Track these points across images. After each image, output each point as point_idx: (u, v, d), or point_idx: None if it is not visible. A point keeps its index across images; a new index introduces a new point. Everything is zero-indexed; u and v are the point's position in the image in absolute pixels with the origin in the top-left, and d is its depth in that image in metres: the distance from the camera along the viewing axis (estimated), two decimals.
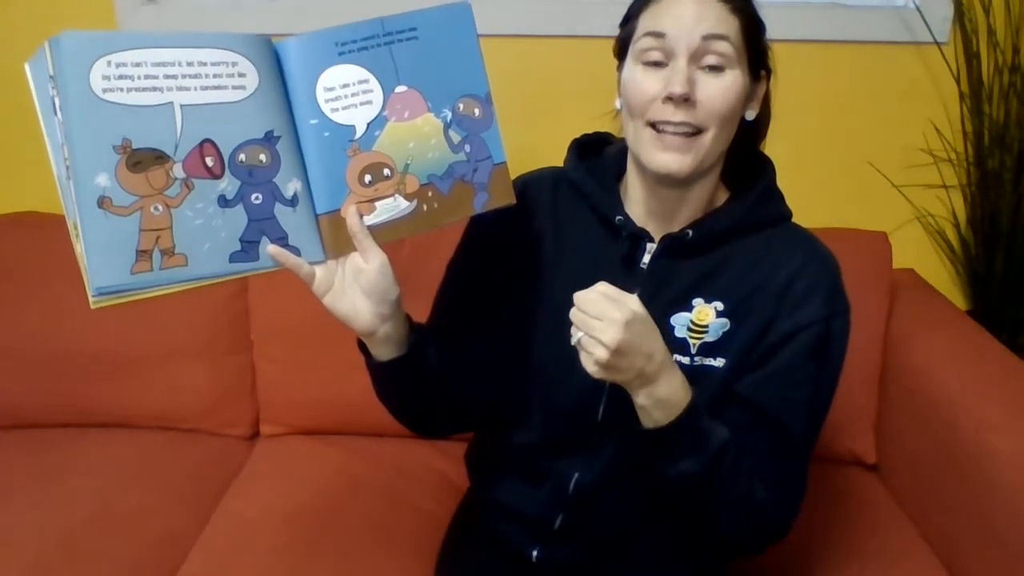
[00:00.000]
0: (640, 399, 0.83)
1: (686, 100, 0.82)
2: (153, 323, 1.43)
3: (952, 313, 1.48)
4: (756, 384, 0.89)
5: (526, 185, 0.97)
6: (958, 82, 1.54)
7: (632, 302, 0.78)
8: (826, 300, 0.89)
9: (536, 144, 1.14)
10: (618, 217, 0.92)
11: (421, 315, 0.96)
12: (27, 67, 0.73)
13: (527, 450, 0.99)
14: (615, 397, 0.90)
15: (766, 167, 0.95)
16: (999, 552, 1.07)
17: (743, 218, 0.92)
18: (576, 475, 0.96)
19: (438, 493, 1.32)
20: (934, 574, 1.18)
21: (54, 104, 0.69)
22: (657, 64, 0.84)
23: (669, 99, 0.82)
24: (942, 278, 1.68)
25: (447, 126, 0.81)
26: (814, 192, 1.57)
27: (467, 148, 0.83)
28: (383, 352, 0.87)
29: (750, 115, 0.89)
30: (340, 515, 1.26)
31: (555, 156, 1.01)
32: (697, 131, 0.84)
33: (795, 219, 0.95)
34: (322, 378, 1.43)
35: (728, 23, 0.83)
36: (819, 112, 1.57)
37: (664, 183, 0.89)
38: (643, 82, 0.84)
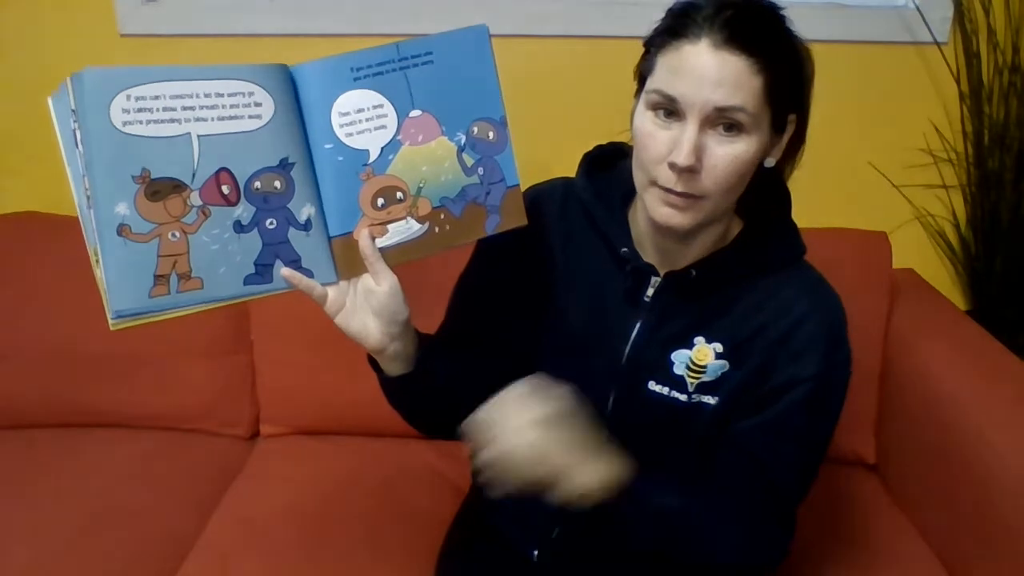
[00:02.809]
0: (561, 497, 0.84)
1: (691, 170, 0.79)
2: (153, 323, 1.43)
3: (952, 313, 1.48)
4: (750, 432, 0.88)
5: (537, 198, 0.95)
6: (958, 82, 1.54)
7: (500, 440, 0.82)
8: (825, 354, 0.87)
9: (536, 149, 1.13)
10: (623, 249, 0.90)
11: (422, 326, 0.95)
12: (50, 102, 0.74)
13: None
14: (620, 417, 0.91)
15: (783, 203, 0.92)
16: (999, 552, 1.08)
17: (751, 261, 0.90)
18: None
19: (438, 493, 1.32)
20: (934, 574, 1.18)
21: (75, 137, 0.70)
22: (669, 114, 0.80)
23: (673, 165, 0.79)
24: (942, 278, 1.68)
25: (461, 149, 0.81)
26: (814, 192, 1.57)
27: (480, 171, 0.83)
28: (393, 368, 0.88)
29: (769, 163, 0.86)
30: (340, 515, 1.26)
31: (557, 159, 1.01)
32: (701, 196, 0.81)
33: (795, 218, 0.94)
34: (322, 378, 1.43)
35: (747, 88, 0.77)
36: (819, 112, 1.56)
37: (666, 234, 0.87)
38: (652, 136, 0.81)
